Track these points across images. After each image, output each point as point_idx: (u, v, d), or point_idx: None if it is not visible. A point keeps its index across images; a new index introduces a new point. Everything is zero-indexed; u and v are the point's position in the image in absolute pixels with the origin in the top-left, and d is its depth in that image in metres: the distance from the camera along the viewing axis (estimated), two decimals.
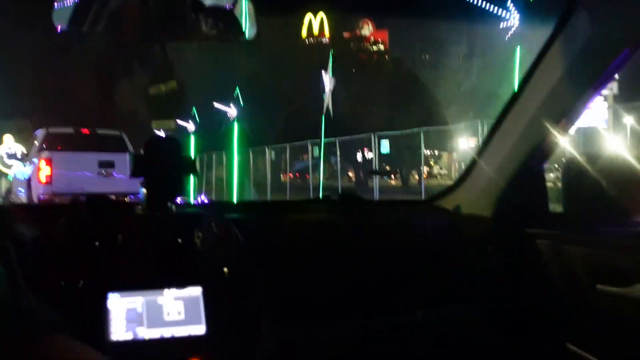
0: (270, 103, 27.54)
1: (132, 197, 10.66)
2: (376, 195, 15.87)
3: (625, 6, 1.70)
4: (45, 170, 11.92)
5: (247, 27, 1.75)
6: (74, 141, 12.93)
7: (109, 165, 12.32)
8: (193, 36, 1.94)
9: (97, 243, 1.70)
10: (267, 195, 22.48)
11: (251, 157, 25.31)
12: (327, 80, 17.71)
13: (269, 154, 24.61)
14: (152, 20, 1.68)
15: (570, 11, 1.84)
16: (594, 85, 1.90)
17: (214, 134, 25.01)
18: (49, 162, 11.97)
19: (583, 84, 1.91)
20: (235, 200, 17.41)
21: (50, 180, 11.91)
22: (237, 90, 23.24)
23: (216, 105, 23.66)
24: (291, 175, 26.08)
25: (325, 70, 17.87)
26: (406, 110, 24.48)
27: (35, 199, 11.79)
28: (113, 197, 2.73)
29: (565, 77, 1.91)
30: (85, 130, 13.62)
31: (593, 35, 1.80)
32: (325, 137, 20.30)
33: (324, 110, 16.88)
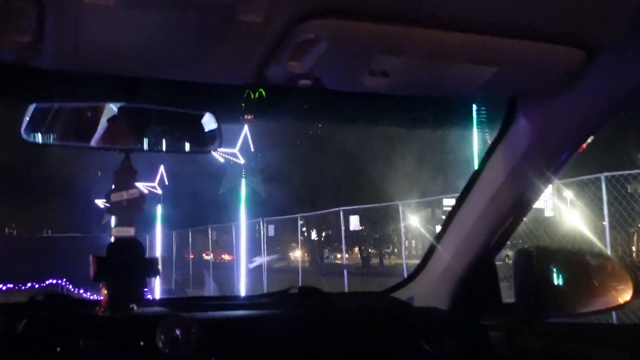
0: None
1: None
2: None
3: (558, 116, 1.83)
4: None
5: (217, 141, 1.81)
6: None
7: None
8: (157, 148, 1.99)
9: (58, 349, 1.70)
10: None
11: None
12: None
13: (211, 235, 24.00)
14: (110, 129, 1.73)
15: (512, 117, 1.97)
16: (541, 179, 2.00)
17: None
18: None
19: (531, 178, 2.01)
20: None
21: None
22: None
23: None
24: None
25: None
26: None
27: None
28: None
29: (513, 173, 2.02)
30: None
31: (534, 137, 1.93)
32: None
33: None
